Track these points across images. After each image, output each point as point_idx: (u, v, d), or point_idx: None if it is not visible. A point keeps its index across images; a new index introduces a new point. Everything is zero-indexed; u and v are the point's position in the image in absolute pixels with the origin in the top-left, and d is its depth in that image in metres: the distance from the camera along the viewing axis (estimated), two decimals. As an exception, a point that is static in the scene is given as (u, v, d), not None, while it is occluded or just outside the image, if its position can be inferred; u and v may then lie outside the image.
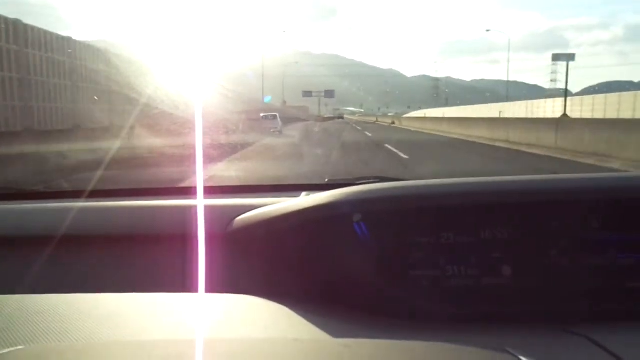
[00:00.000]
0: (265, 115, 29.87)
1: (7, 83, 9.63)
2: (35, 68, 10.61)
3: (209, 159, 10.56)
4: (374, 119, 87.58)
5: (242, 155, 12.04)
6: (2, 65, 9.46)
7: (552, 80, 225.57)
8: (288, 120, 47.82)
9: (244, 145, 14.31)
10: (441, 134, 26.65)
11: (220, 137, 14.42)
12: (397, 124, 51.28)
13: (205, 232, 1.07)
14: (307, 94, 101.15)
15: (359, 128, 38.48)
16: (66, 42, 11.79)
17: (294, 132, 27.94)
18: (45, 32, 11.02)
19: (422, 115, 66.34)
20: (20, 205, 1.38)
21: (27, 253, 1.16)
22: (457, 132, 24.79)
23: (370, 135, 26.14)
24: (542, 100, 49.57)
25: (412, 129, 36.27)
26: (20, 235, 1.23)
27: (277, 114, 30.61)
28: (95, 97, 13.15)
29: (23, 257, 1.16)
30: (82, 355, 0.64)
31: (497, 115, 43.70)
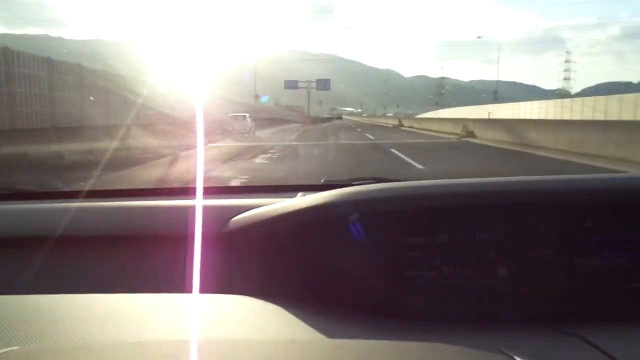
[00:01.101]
0: (234, 116, 26.38)
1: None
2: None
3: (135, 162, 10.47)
4: (393, 120, 61.70)
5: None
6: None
7: (565, 79, 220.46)
8: (269, 123, 38.96)
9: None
10: None
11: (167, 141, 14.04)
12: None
13: (202, 232, 1.07)
14: (292, 84, 71.23)
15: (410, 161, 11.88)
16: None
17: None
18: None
19: (443, 116, 52.58)
20: (16, 206, 1.37)
21: (23, 254, 1.16)
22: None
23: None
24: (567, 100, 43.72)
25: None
26: (17, 236, 1.23)
27: (248, 115, 27.23)
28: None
29: (19, 258, 1.16)
30: (76, 357, 0.64)
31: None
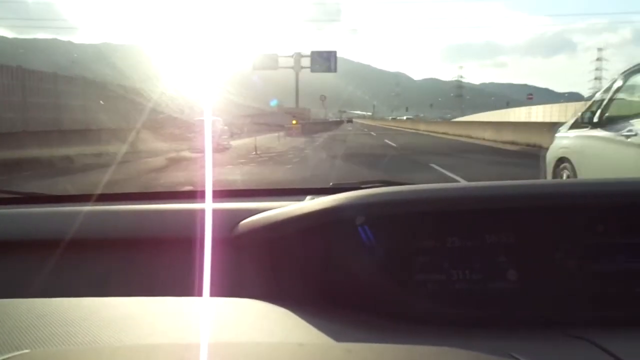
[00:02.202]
0: (202, 120, 19.76)
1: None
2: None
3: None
4: (445, 127, 36.75)
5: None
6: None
7: (596, 78, 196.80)
8: (255, 129, 28.43)
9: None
10: None
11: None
12: None
13: (211, 235, 1.08)
14: (266, 62, 44.15)
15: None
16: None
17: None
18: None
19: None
20: (28, 209, 1.39)
21: (34, 257, 1.17)
22: None
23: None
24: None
25: None
26: (28, 239, 1.24)
27: (219, 119, 20.86)
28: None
29: (31, 261, 1.17)
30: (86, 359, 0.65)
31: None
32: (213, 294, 0.93)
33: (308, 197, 1.36)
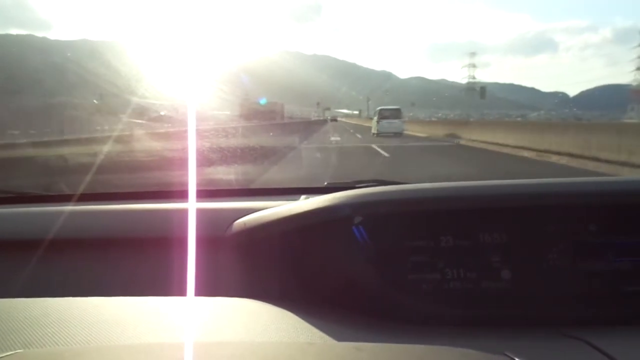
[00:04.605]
0: None
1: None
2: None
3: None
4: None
5: None
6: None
7: (638, 69, 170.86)
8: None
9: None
10: None
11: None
12: None
13: (205, 235, 1.07)
14: None
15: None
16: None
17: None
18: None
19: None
20: (13, 209, 1.38)
21: (20, 256, 1.16)
22: None
23: None
24: None
25: None
26: (14, 238, 1.23)
27: None
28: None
29: (16, 261, 1.16)
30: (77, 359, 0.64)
31: None
32: (207, 293, 0.93)
33: (303, 197, 1.35)
